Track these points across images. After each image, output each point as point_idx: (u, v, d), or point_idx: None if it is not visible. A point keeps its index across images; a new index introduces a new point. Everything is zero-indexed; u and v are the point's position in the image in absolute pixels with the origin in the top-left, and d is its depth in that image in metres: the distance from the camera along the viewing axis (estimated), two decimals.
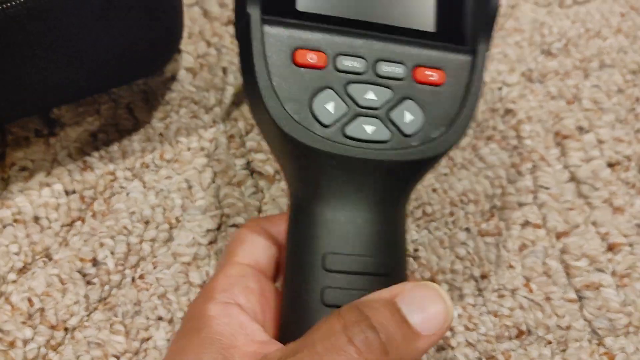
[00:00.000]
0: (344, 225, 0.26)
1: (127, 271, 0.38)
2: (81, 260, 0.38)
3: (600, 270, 0.37)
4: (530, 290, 0.37)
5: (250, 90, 0.27)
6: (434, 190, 0.40)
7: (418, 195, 0.39)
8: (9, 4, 0.31)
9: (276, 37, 0.26)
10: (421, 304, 0.23)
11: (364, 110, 0.26)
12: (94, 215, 0.39)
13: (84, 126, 0.42)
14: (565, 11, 0.47)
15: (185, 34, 0.44)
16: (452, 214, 0.39)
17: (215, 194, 0.40)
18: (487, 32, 0.27)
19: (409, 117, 0.26)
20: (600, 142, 0.41)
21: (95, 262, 0.38)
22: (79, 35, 0.35)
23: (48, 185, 0.40)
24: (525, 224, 0.39)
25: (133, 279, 0.37)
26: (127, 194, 0.40)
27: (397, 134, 0.26)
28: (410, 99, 0.27)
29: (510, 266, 0.38)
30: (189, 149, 0.41)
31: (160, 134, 0.41)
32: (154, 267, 0.38)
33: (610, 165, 0.41)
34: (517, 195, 0.40)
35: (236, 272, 0.28)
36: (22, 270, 0.37)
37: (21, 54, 0.34)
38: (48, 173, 0.40)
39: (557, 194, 0.40)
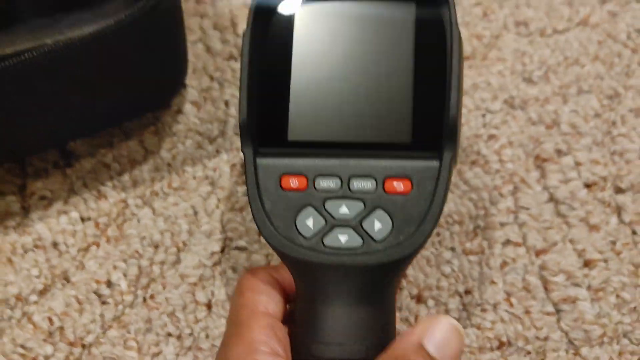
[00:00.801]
0: (332, 318, 0.30)
1: (139, 292, 0.41)
2: (96, 282, 0.41)
3: (576, 285, 0.40)
4: (511, 305, 0.39)
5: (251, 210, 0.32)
6: None
7: None
8: (26, 56, 0.35)
9: (267, 167, 0.31)
10: (444, 341, 0.28)
11: (339, 222, 0.30)
12: (107, 241, 0.42)
13: (98, 157, 0.45)
14: (545, 40, 0.49)
15: (189, 69, 0.47)
16: (438, 234, 0.42)
17: (219, 219, 0.43)
18: (450, 141, 0.30)
19: (378, 225, 0.30)
20: (578, 164, 0.44)
21: (109, 284, 0.41)
22: (93, 79, 0.38)
23: (65, 213, 0.43)
24: (507, 242, 0.41)
25: (144, 299, 0.40)
26: (138, 220, 0.43)
27: (369, 240, 0.30)
28: (381, 208, 0.30)
29: (493, 282, 0.40)
30: (194, 177, 0.44)
31: (168, 164, 0.45)
32: (163, 288, 0.41)
33: (587, 185, 0.43)
34: (499, 216, 0.42)
35: (267, 323, 0.30)
36: (42, 292, 0.41)
37: (41, 97, 0.37)
38: (65, 202, 0.43)
39: (536, 214, 0.42)
